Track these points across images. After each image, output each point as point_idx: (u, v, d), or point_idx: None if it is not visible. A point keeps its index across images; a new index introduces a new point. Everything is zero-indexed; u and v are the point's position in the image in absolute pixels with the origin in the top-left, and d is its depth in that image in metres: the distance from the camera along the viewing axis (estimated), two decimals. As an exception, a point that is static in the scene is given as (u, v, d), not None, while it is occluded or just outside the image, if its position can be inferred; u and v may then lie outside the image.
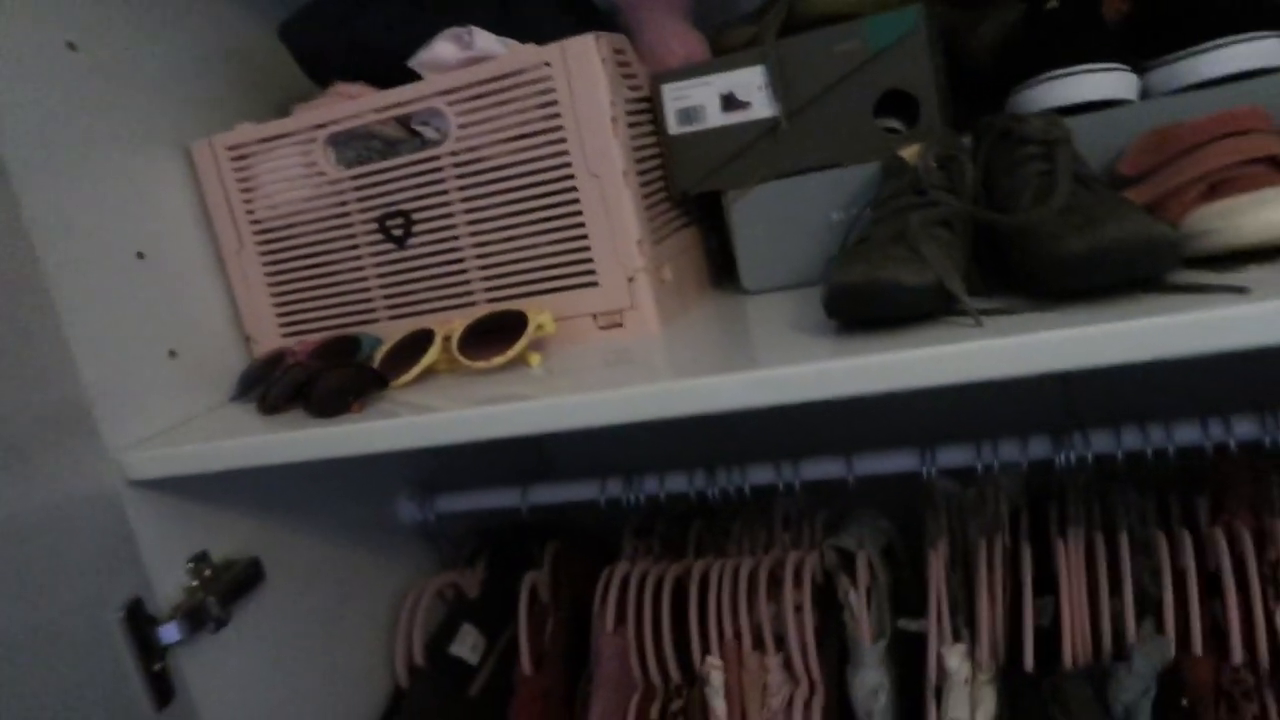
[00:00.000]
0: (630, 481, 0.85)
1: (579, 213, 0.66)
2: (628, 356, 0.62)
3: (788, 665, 0.75)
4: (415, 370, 0.66)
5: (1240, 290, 0.45)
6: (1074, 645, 0.68)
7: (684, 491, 0.83)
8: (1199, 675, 0.62)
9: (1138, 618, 0.67)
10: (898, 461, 0.77)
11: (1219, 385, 0.93)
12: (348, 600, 0.84)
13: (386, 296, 0.73)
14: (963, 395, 1.00)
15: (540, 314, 0.65)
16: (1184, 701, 0.62)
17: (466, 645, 0.88)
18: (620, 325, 0.67)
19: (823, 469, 0.79)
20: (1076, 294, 0.51)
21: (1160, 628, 0.66)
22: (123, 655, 0.63)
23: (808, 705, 0.73)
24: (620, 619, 0.80)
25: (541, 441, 1.20)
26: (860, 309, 0.51)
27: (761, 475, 0.81)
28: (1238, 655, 0.63)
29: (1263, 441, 0.68)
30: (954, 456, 0.75)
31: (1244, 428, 0.68)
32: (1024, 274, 0.51)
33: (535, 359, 0.65)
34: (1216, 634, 0.65)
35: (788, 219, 0.70)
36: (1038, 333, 0.47)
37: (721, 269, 0.81)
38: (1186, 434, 0.69)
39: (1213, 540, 0.68)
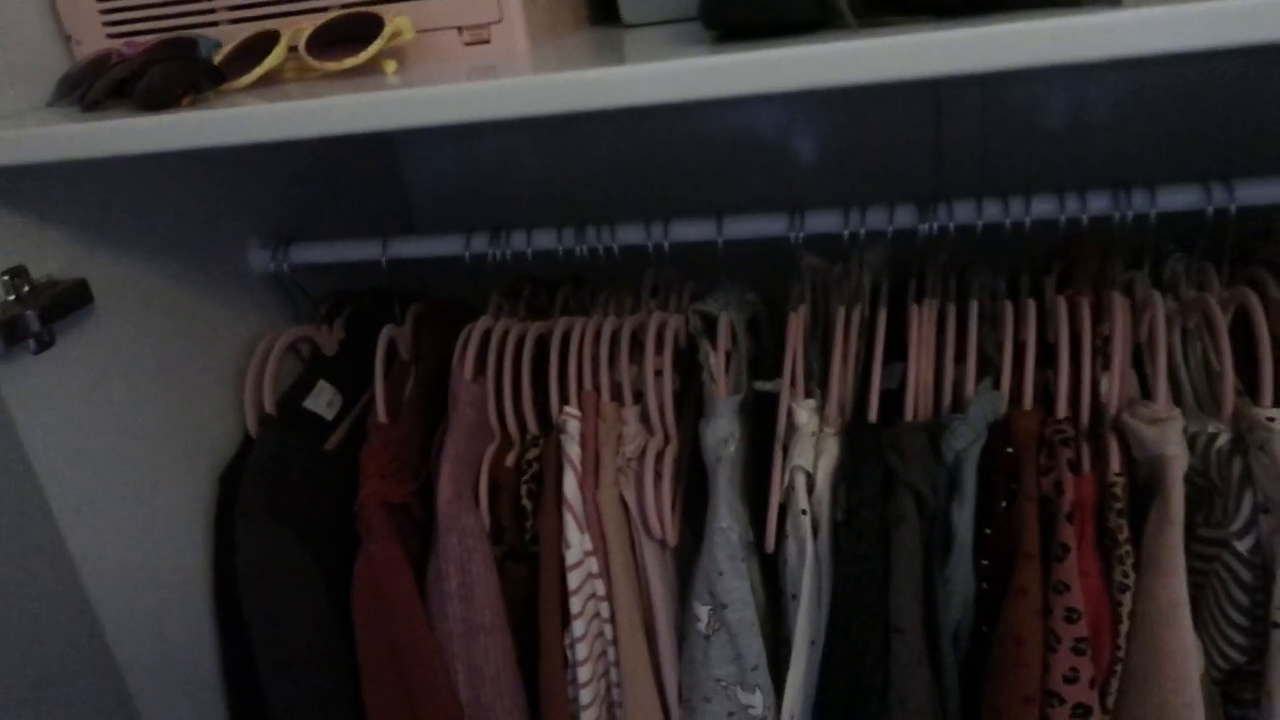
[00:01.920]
0: (496, 237, 0.82)
1: (446, -93, 0.60)
2: (492, 71, 0.58)
3: (644, 418, 0.76)
4: (257, 71, 0.60)
5: (1114, 3, 0.45)
6: (916, 403, 0.70)
7: (552, 249, 0.81)
8: (1025, 426, 0.66)
9: (978, 381, 0.69)
10: (767, 225, 0.76)
11: (1087, 164, 0.95)
12: (193, 344, 0.79)
13: (229, -4, 0.65)
14: (836, 163, 1.00)
15: (397, 18, 0.60)
16: (1009, 449, 0.65)
17: (322, 401, 0.86)
18: (487, 41, 0.63)
19: (693, 230, 0.78)
20: (955, 9, 0.49)
21: (997, 388, 0.68)
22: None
23: (660, 453, 0.74)
24: (480, 370, 0.79)
25: (409, 199, 1.15)
26: (736, 10, 0.48)
27: (631, 235, 0.79)
28: (1062, 411, 0.67)
29: (1113, 217, 0.70)
30: (822, 222, 0.75)
31: (1098, 203, 0.70)
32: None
33: (391, 65, 0.60)
34: (1048, 396, 0.69)
35: (674, -58, 0.65)
36: (911, 34, 0.45)
37: (604, 11, 0.77)
38: (1044, 207, 0.71)
39: (1054, 312, 0.70)
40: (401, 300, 0.94)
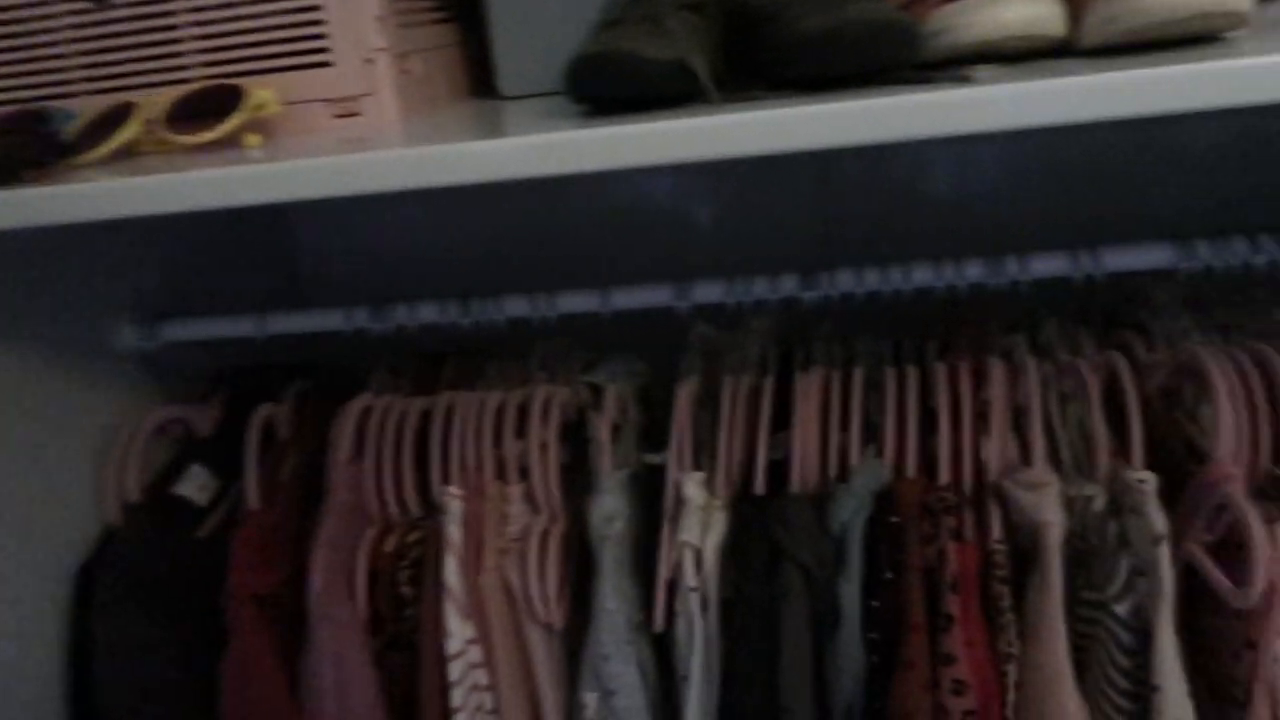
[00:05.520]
0: (379, 311, 0.80)
1: (310, -21, 0.59)
2: (365, 144, 0.56)
3: (529, 496, 0.74)
4: (112, 144, 0.58)
5: (965, 79, 0.46)
6: (802, 473, 0.70)
7: (435, 321, 0.79)
8: (908, 494, 0.66)
9: (862, 448, 0.69)
10: (653, 295, 0.76)
11: (960, 232, 0.98)
12: (52, 430, 0.75)
13: (85, 66, 0.63)
14: (725, 233, 1.01)
15: (260, 90, 0.58)
16: (894, 518, 0.65)
17: (194, 485, 0.81)
18: (358, 114, 0.61)
19: (579, 302, 0.77)
20: (818, 83, 0.50)
21: (881, 455, 0.68)
22: None
23: (545, 533, 0.71)
24: (358, 450, 0.76)
25: (300, 271, 1.12)
26: (600, 81, 0.48)
27: (517, 307, 0.78)
28: (944, 477, 0.67)
29: (988, 285, 0.71)
30: (708, 292, 0.75)
31: (973, 271, 0.72)
32: (769, 61, 0.50)
33: (254, 139, 0.58)
34: (931, 463, 0.69)
35: (550, 16, 0.66)
36: (770, 109, 0.46)
37: (483, 81, 0.77)
38: (922, 275, 0.72)
39: (935, 378, 0.71)
40: (288, 376, 0.91)
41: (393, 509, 0.74)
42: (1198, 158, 0.96)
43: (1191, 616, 0.62)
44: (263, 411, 0.80)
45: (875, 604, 0.64)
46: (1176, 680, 0.60)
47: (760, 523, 0.66)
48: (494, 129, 0.57)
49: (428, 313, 0.79)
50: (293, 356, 0.89)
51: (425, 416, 0.77)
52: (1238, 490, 0.60)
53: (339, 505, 0.73)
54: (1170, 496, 0.62)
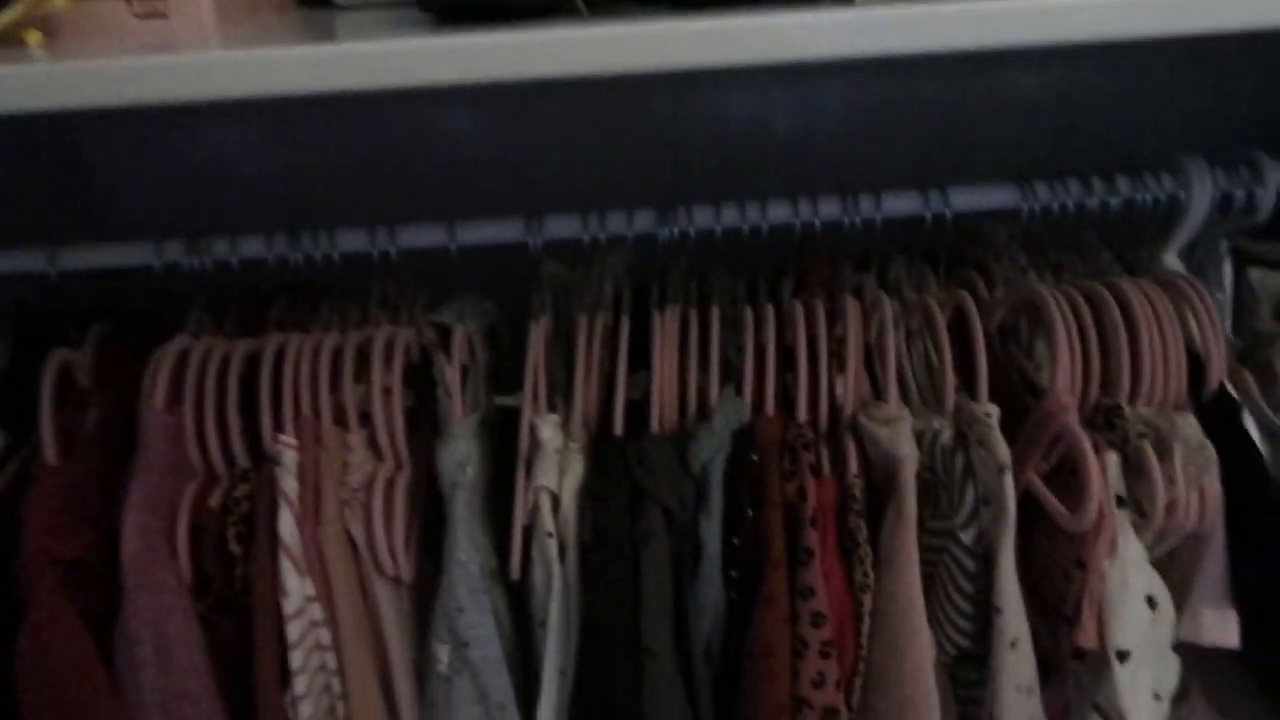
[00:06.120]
0: (195, 244, 0.72)
1: None
2: (170, 47, 0.49)
3: (372, 444, 0.69)
4: None
5: (846, 2, 0.44)
6: (662, 414, 0.68)
7: (262, 257, 0.72)
8: (768, 432, 0.65)
9: (720, 387, 0.68)
10: (503, 231, 0.72)
11: (814, 169, 0.98)
12: None
13: None
14: (574, 169, 0.98)
15: (44, -22, 0.49)
16: (754, 456, 0.65)
17: (-24, 442, 0.72)
18: (164, 16, 0.54)
19: (424, 236, 0.72)
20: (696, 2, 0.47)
21: (740, 394, 0.68)
22: None
23: (390, 482, 0.67)
24: (175, 399, 0.68)
25: (103, 202, 0.99)
26: (452, -14, 0.43)
27: (354, 241, 0.72)
28: (802, 414, 0.67)
29: (843, 222, 0.71)
30: (561, 227, 0.72)
31: (829, 208, 0.71)
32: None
33: (35, 37, 0.50)
34: (788, 400, 0.69)
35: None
36: (643, 24, 0.42)
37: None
38: (779, 212, 0.71)
39: (791, 316, 0.70)
40: (84, 319, 0.81)
41: (217, 462, 0.68)
42: (1029, 104, 1.00)
43: (1026, 541, 0.65)
44: (58, 357, 0.71)
45: (736, 541, 0.64)
46: (1015, 602, 0.63)
47: (620, 464, 0.64)
48: (325, 35, 0.51)
49: (252, 247, 0.71)
50: (94, 297, 0.80)
51: (252, 360, 0.70)
52: (1074, 421, 0.62)
53: (155, 459, 0.66)
54: (1008, 430, 0.65)
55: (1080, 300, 0.68)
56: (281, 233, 0.72)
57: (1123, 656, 0.62)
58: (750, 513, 0.64)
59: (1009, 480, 0.61)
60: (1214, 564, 0.66)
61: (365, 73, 0.44)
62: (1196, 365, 0.67)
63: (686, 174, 1.01)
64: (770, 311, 0.71)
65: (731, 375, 0.70)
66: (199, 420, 0.68)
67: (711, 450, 0.64)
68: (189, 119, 0.97)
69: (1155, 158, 0.73)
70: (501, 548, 0.67)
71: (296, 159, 0.99)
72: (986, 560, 0.64)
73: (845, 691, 0.65)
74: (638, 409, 0.69)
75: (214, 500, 0.67)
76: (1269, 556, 0.65)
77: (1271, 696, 0.73)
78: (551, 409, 0.69)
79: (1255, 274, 0.76)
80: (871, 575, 0.63)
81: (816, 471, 0.64)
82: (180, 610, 0.63)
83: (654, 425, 0.68)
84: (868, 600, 0.63)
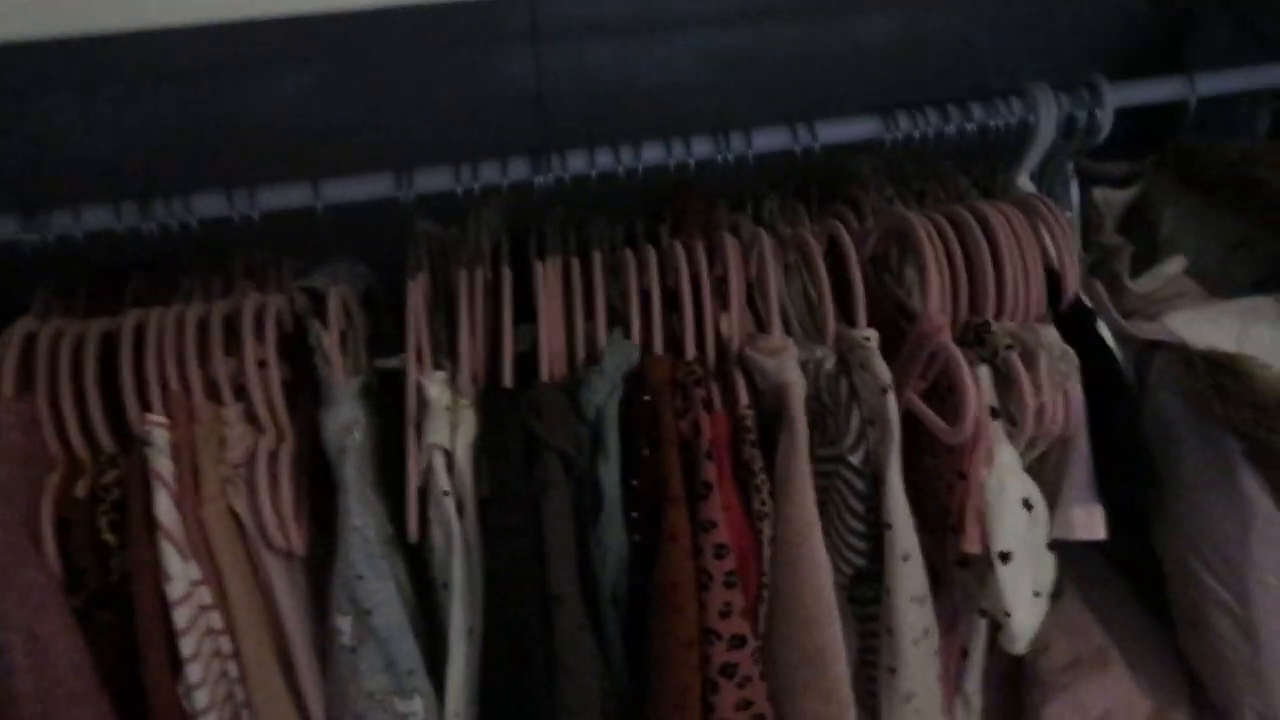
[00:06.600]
0: (31, 218, 0.66)
1: None
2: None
3: (250, 416, 0.66)
4: None
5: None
6: (551, 364, 0.68)
7: (110, 228, 0.67)
8: (658, 372, 0.66)
9: (607, 332, 0.68)
10: (372, 186, 0.69)
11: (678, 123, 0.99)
12: None
13: None
14: (440, 122, 0.95)
15: None
16: (646, 396, 0.65)
17: None
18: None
19: (286, 196, 0.69)
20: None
21: (627, 337, 0.68)
22: None
23: (273, 454, 0.64)
24: (26, 385, 0.63)
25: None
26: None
27: (212, 206, 0.68)
28: (690, 353, 0.67)
29: (716, 160, 0.72)
30: (433, 180, 0.70)
31: (702, 147, 0.71)
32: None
33: None
34: (675, 340, 0.69)
35: None
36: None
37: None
38: (653, 153, 0.71)
39: (673, 257, 0.71)
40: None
41: (79, 447, 0.64)
42: (881, 48, 1.02)
43: (909, 459, 0.68)
44: (-115, 349, 0.65)
45: (634, 483, 0.64)
46: (905, 517, 0.65)
47: (513, 415, 0.63)
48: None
49: (98, 217, 0.67)
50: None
51: (109, 339, 0.66)
52: (949, 339, 0.65)
53: (7, 450, 0.61)
54: (886, 353, 0.67)
55: (945, 224, 0.70)
56: (131, 201, 0.67)
57: (1005, 558, 0.65)
58: (647, 452, 0.64)
59: (892, 400, 0.63)
60: (1080, 464, 0.70)
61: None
62: (1053, 279, 0.71)
63: (553, 132, 1.00)
64: (652, 254, 0.71)
65: (617, 320, 0.69)
66: (54, 405, 0.63)
67: (604, 394, 0.64)
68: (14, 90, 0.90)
69: (1002, 92, 0.76)
70: (396, 513, 0.66)
71: (142, 123, 0.92)
72: (875, 479, 0.66)
73: (752, 619, 0.66)
74: (526, 362, 0.68)
75: (80, 490, 0.63)
76: (1125, 451, 0.70)
77: (1131, 579, 0.80)
78: (437, 367, 0.68)
79: (1099, 193, 0.81)
80: (769, 503, 0.64)
81: (709, 406, 0.65)
82: (52, 608, 0.59)
83: (544, 375, 0.67)
84: (767, 528, 0.64)
